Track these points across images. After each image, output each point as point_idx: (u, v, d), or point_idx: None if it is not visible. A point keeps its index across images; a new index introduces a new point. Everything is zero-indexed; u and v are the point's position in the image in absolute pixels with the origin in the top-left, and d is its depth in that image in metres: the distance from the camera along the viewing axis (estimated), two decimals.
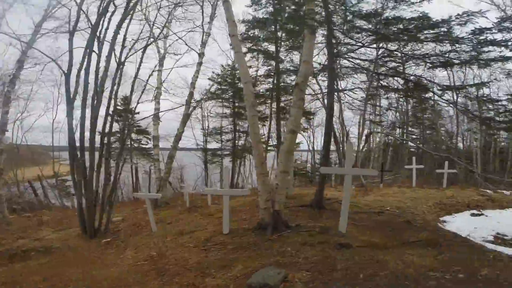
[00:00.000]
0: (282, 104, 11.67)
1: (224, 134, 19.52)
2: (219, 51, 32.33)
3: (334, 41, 6.59)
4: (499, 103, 5.90)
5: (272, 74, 13.31)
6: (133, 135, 19.32)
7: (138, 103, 10.25)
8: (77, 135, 6.58)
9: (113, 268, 4.40)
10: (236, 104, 17.27)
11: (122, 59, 7.32)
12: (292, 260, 3.46)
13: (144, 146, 18.92)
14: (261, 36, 10.11)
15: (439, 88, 5.36)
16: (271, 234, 4.33)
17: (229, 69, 16.57)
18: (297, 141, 21.26)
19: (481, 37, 4.87)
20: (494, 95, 14.65)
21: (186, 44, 12.35)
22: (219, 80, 17.00)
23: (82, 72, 6.56)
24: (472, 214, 7.13)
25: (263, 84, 15.42)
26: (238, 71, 13.25)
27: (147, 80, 11.80)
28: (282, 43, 9.86)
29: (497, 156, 18.89)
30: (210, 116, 18.85)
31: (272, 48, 10.64)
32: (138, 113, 17.97)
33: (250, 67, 13.86)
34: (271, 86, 14.43)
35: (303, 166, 22.52)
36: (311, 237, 4.06)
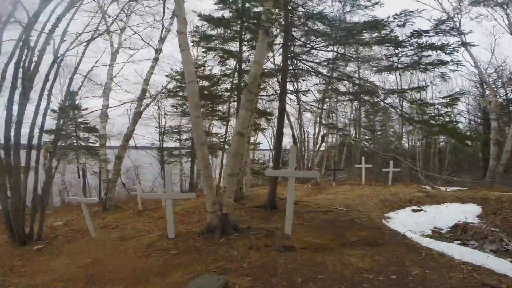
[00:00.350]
0: None
1: (183, 133, 18.94)
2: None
3: (290, 42, 6.64)
4: (433, 107, 6.40)
5: (229, 73, 13.16)
6: (81, 133, 17.89)
7: (81, 98, 9.35)
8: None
9: (40, 276, 3.92)
10: None
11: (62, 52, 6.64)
12: (236, 265, 3.33)
13: (92, 144, 17.56)
14: (226, 35, 9.88)
15: (383, 91, 5.64)
16: (219, 237, 4.18)
17: None
18: (257, 141, 21.63)
19: (421, 41, 5.19)
20: (436, 98, 16.13)
21: (142, 39, 11.70)
22: (178, 77, 16.35)
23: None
24: (413, 210, 7.67)
25: (225, 83, 15.14)
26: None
27: (86, 76, 10.90)
28: (246, 42, 9.79)
29: (437, 155, 20.84)
30: (168, 114, 18.12)
31: (234, 47, 10.48)
32: (86, 109, 16.73)
33: (204, 65, 13.46)
34: (231, 86, 14.26)
35: (265, 166, 22.73)
36: (257, 240, 3.98)
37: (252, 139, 20.85)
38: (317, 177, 9.65)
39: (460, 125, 17.85)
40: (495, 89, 15.18)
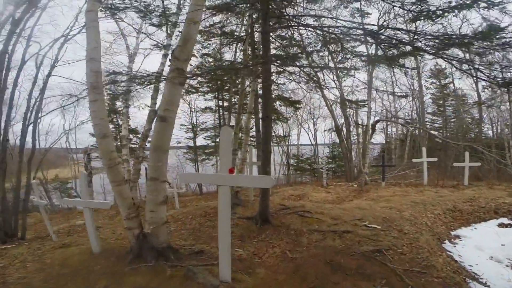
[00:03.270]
0: None
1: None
2: None
3: None
4: None
5: None
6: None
7: None
8: None
9: None
10: None
11: None
12: None
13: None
14: None
15: (428, 39, 3.33)
16: (129, 264, 2.91)
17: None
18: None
19: None
20: None
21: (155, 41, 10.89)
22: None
23: None
24: (500, 225, 5.05)
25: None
26: None
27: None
28: None
29: None
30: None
31: None
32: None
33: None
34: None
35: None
36: (169, 280, 2.38)
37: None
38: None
39: None
40: None
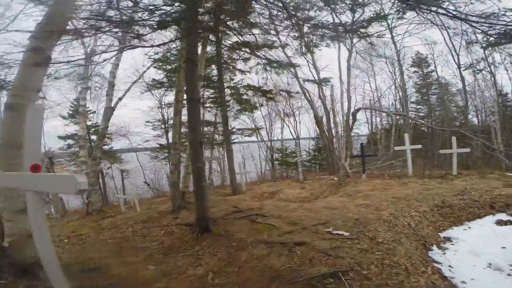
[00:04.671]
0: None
1: None
2: None
3: None
4: None
5: None
6: None
7: None
8: None
9: None
10: None
11: None
12: None
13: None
14: None
15: None
16: None
17: None
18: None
19: None
20: None
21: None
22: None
23: None
24: (499, 222, 4.17)
25: None
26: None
27: None
28: None
29: None
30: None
31: None
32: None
33: None
34: None
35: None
36: None
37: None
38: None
39: None
40: None
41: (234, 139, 17.23)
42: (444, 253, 3.32)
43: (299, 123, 19.68)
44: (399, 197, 4.69)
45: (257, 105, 14.04)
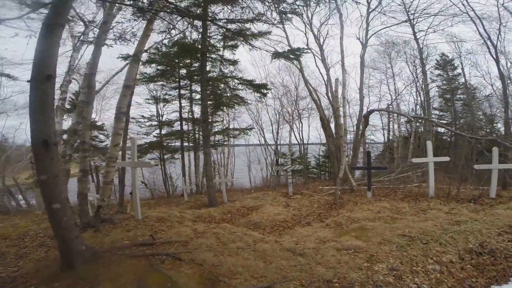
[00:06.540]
0: None
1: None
2: None
3: None
4: None
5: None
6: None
7: None
8: None
9: None
10: None
11: None
12: None
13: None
14: None
15: None
16: None
17: None
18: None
19: None
20: None
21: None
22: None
23: None
24: None
25: None
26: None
27: None
28: None
29: None
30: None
31: None
32: None
33: None
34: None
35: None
36: None
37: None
38: None
39: None
40: None
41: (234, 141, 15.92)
42: None
43: (308, 126, 18.14)
44: (411, 235, 3.05)
45: (249, 101, 12.64)
